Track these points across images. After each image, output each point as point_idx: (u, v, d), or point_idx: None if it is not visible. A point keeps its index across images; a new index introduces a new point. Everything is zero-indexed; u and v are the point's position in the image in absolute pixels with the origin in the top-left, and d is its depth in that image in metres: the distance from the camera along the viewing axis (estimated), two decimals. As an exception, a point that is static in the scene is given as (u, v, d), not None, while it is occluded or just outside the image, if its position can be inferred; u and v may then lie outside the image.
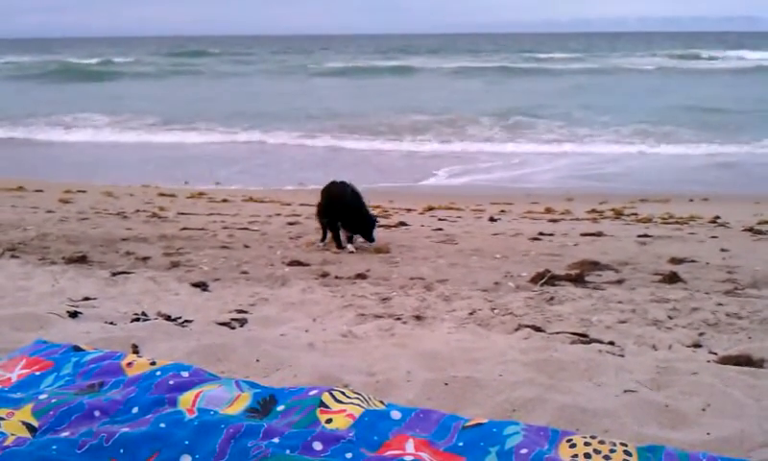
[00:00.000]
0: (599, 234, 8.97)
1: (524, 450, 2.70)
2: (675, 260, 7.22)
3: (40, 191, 12.88)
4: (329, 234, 8.37)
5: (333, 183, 8.60)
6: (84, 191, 12.97)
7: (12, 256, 7.20)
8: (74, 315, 4.81)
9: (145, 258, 7.30)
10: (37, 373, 3.39)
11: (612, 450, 2.75)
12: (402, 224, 9.77)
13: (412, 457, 2.68)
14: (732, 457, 2.72)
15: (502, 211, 11.55)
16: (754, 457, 2.86)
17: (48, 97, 35.30)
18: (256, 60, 67.59)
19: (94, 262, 7.07)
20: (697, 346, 4.60)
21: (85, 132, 25.11)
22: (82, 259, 7.11)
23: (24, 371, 3.41)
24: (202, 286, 6.21)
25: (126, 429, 2.73)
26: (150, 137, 23.85)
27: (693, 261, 7.20)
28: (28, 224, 9.06)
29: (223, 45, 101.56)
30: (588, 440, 2.82)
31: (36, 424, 2.86)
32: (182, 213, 10.64)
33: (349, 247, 8.11)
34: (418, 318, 5.29)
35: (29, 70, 53.35)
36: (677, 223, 10.17)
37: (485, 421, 2.97)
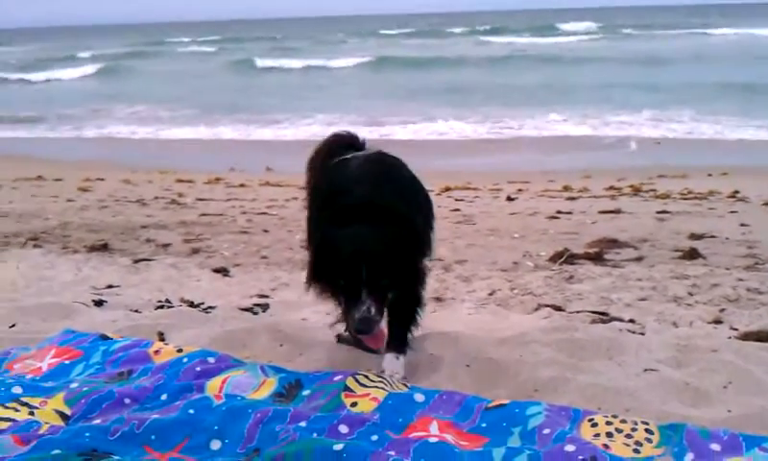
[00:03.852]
0: (617, 211, 8.95)
1: (547, 430, 2.74)
2: (694, 236, 7.21)
3: (60, 180, 12.99)
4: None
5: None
6: (102, 179, 13.08)
7: (35, 246, 7.29)
8: (99, 304, 4.88)
9: (165, 245, 7.37)
10: (67, 362, 3.47)
11: (633, 429, 2.79)
12: (420, 205, 9.77)
13: (436, 439, 2.73)
14: (753, 434, 2.74)
15: (519, 190, 11.53)
16: (775, 433, 2.87)
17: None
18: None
19: (115, 250, 7.15)
20: (718, 322, 4.60)
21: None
22: (103, 247, 7.19)
23: (54, 360, 3.49)
24: (223, 272, 6.26)
25: (156, 416, 2.80)
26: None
27: (713, 237, 7.18)
28: (49, 213, 9.15)
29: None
30: (610, 419, 2.86)
31: (68, 412, 2.94)
32: (201, 199, 10.71)
33: (395, 366, 3.48)
34: (438, 300, 5.31)
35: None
36: (696, 198, 10.12)
37: (507, 402, 3.01)
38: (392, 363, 3.48)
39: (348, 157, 3.69)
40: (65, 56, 54.06)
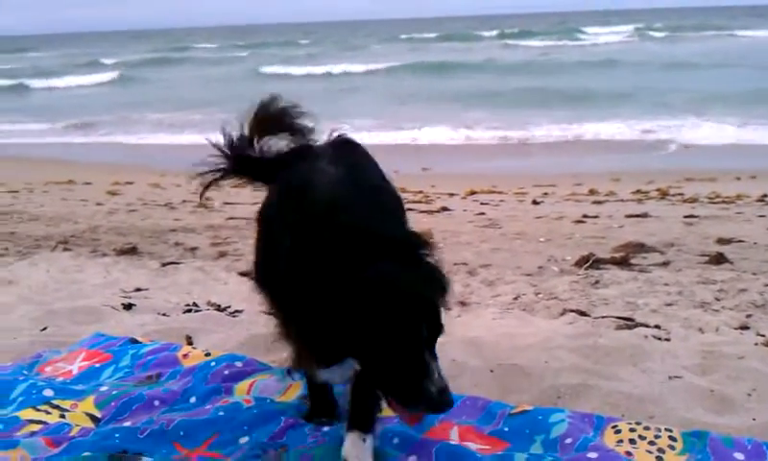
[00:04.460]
0: (644, 215, 8.88)
1: (569, 440, 2.75)
2: (722, 241, 7.13)
3: (89, 184, 13.16)
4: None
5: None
6: (131, 183, 13.22)
7: (65, 249, 7.40)
8: (128, 307, 4.95)
9: (193, 249, 7.44)
10: (97, 365, 3.54)
11: (656, 436, 2.79)
12: (445, 209, 9.79)
13: (457, 444, 2.75)
14: (778, 443, 2.73)
15: (545, 194, 11.47)
16: (801, 442, 2.85)
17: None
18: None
19: (144, 253, 7.23)
20: (744, 328, 4.56)
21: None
22: (132, 251, 7.28)
23: (84, 363, 3.56)
24: (249, 275, 6.29)
25: (185, 417, 2.85)
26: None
27: (740, 241, 7.10)
28: (79, 216, 9.29)
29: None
30: (634, 426, 2.87)
31: (98, 414, 3.00)
32: (228, 203, 10.77)
33: (359, 451, 2.62)
34: (462, 304, 5.30)
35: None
36: (723, 202, 10.01)
37: (530, 408, 3.02)
38: (356, 447, 2.61)
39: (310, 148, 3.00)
40: (89, 61, 54.57)
